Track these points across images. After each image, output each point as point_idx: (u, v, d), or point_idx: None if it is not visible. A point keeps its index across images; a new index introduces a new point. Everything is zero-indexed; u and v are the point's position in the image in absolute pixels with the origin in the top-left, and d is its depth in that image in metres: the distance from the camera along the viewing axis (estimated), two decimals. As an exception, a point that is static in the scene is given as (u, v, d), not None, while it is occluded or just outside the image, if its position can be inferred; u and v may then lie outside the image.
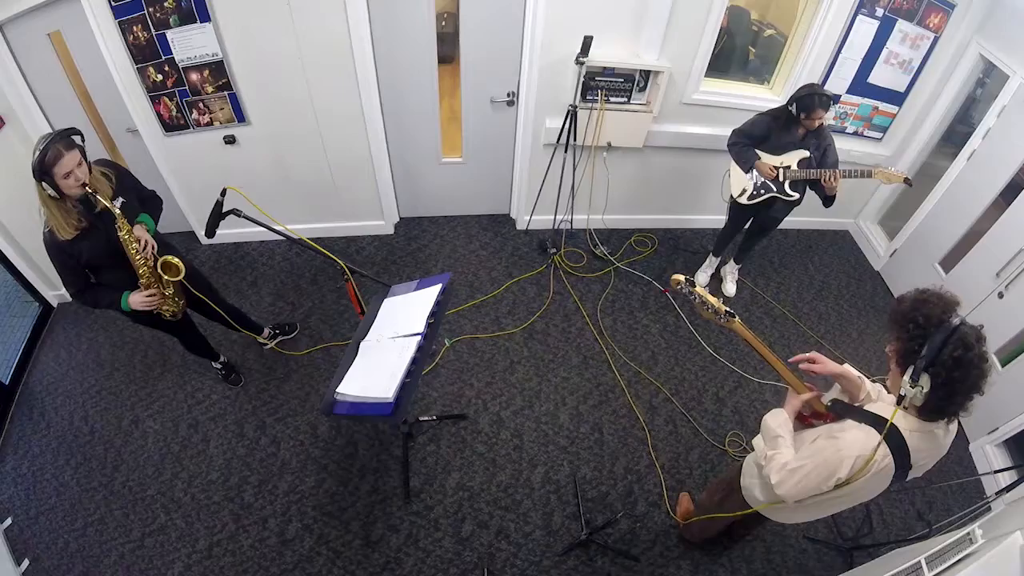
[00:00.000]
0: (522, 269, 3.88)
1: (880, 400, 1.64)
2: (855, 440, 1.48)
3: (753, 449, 1.95)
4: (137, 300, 2.28)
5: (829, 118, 3.61)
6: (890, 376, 1.53)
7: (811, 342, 3.64)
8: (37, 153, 1.88)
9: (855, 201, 4.32)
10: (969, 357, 1.30)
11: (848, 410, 1.63)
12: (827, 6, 3.18)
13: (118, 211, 2.09)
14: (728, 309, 1.75)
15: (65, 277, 2.20)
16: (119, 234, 2.14)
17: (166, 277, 2.33)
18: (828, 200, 3.01)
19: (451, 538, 2.64)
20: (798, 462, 1.58)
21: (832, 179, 2.83)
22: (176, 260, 2.32)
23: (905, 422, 1.46)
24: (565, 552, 2.61)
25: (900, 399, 1.42)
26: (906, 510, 2.90)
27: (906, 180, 2.78)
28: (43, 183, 1.92)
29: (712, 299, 1.77)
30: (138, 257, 2.21)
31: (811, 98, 2.77)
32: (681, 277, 1.78)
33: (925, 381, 1.34)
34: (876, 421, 1.49)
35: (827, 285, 4.08)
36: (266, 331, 3.26)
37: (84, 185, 1.98)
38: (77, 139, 2.00)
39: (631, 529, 2.72)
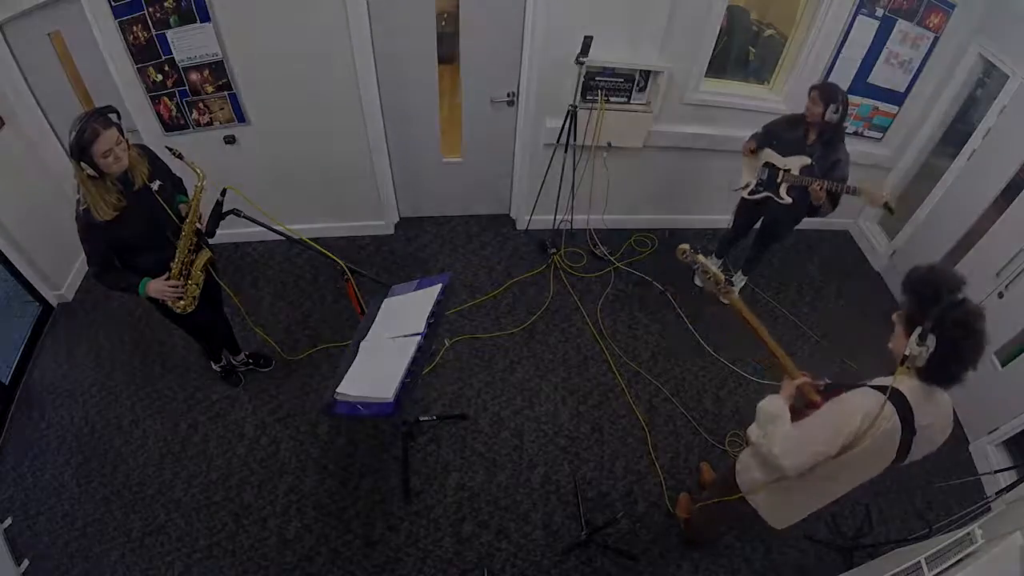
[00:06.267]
0: (522, 269, 3.88)
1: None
2: (860, 400, 1.51)
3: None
4: (156, 288, 2.22)
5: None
6: (893, 340, 1.57)
7: (811, 342, 3.64)
8: (74, 133, 1.84)
9: (855, 201, 4.30)
10: (974, 327, 1.36)
11: (844, 387, 1.65)
12: (827, 6, 3.18)
13: (200, 170, 2.19)
14: (728, 278, 1.87)
15: (92, 256, 2.15)
16: (196, 193, 2.22)
17: (196, 265, 2.32)
18: (813, 210, 3.02)
19: (451, 538, 2.64)
20: (800, 428, 1.59)
21: (819, 188, 2.81)
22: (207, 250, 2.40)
23: (906, 382, 1.49)
24: (565, 552, 2.61)
25: (904, 359, 1.45)
26: (906, 510, 2.90)
27: (886, 205, 2.78)
28: (81, 163, 1.89)
29: (713, 268, 1.97)
30: (193, 228, 2.24)
31: (820, 82, 2.83)
32: (687, 246, 2.07)
33: (931, 341, 1.39)
34: (876, 388, 1.53)
35: (827, 285, 4.07)
36: (242, 355, 3.17)
37: (122, 161, 1.97)
38: (113, 117, 1.97)
39: (631, 529, 2.72)
